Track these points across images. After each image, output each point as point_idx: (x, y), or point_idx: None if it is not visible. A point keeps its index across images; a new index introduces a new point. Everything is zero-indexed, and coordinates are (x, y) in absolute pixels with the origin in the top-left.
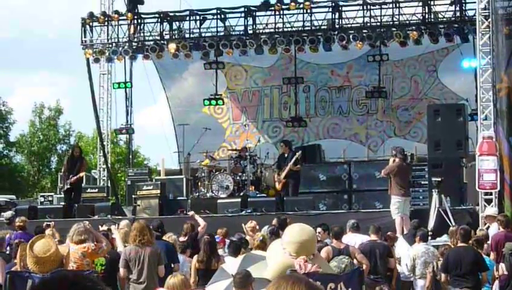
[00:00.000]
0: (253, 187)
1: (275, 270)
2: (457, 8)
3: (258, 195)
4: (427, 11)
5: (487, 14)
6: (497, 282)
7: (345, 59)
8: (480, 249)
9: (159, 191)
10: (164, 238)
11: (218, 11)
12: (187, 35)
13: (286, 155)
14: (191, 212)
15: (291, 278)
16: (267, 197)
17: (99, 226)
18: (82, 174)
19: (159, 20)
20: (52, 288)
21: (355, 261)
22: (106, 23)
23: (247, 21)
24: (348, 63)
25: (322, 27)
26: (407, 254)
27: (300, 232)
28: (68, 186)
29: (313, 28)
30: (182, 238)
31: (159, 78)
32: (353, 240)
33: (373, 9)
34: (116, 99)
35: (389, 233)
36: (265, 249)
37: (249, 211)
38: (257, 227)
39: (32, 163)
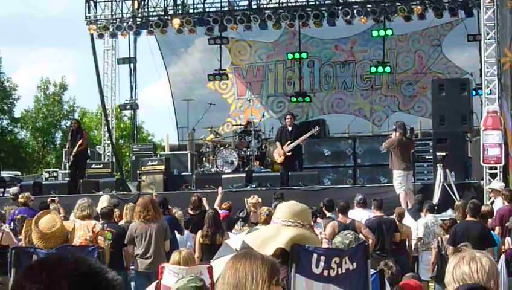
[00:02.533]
0: (257, 162)
1: (290, 241)
2: None
3: (263, 170)
4: None
5: None
6: (503, 256)
7: (349, 34)
8: (485, 223)
9: (163, 167)
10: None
11: None
12: (191, 11)
13: (290, 129)
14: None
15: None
16: (271, 172)
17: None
18: (80, 142)
19: None
20: (49, 269)
21: (361, 235)
22: None
23: None
24: (352, 37)
25: (326, 2)
26: (415, 227)
27: (296, 204)
28: (72, 159)
29: (317, 2)
30: (191, 212)
31: (160, 54)
32: (359, 215)
33: None
34: (120, 75)
35: (397, 209)
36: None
37: (254, 186)
38: (260, 201)
39: (37, 139)
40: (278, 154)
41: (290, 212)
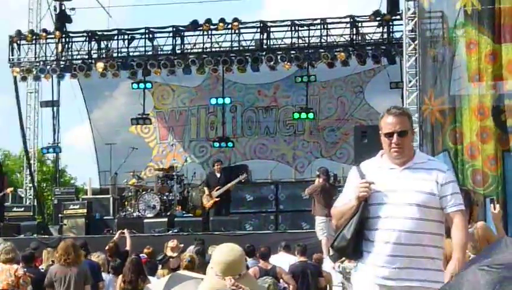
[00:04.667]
0: (180, 207)
1: None
2: (385, 30)
3: (185, 215)
4: (354, 32)
5: (414, 36)
6: None
7: (272, 79)
8: None
9: (85, 211)
10: (93, 257)
11: (147, 31)
12: (115, 55)
13: (218, 175)
14: (125, 231)
15: None
16: (193, 217)
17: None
18: (8, 190)
19: (87, 39)
20: None
21: (282, 281)
22: (34, 42)
23: (176, 41)
24: (275, 83)
25: (250, 47)
26: (336, 273)
27: (228, 252)
28: None
29: (241, 48)
30: (109, 258)
31: (82, 98)
32: (283, 260)
33: (301, 30)
34: (43, 118)
35: (315, 255)
36: (193, 269)
37: (176, 230)
38: (180, 246)
39: None
40: (206, 199)
41: (223, 263)
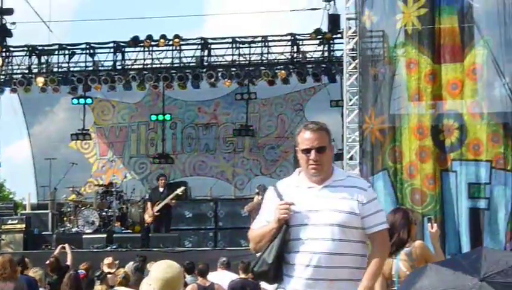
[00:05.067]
0: (119, 223)
1: None
2: (326, 49)
3: (124, 231)
4: (295, 50)
5: (355, 55)
6: None
7: (212, 96)
8: None
9: (24, 226)
10: (31, 273)
11: (87, 46)
12: (55, 70)
13: (162, 190)
14: (66, 245)
15: None
16: (132, 233)
17: None
18: None
19: (28, 53)
20: None
21: None
22: None
23: (116, 56)
24: (216, 100)
25: (191, 64)
26: None
27: (166, 269)
28: None
29: (181, 65)
30: (50, 273)
31: (22, 113)
32: (223, 277)
33: (242, 47)
34: None
35: (250, 273)
36: (128, 286)
37: (114, 246)
38: (116, 263)
39: None
40: (148, 214)
41: (161, 280)
